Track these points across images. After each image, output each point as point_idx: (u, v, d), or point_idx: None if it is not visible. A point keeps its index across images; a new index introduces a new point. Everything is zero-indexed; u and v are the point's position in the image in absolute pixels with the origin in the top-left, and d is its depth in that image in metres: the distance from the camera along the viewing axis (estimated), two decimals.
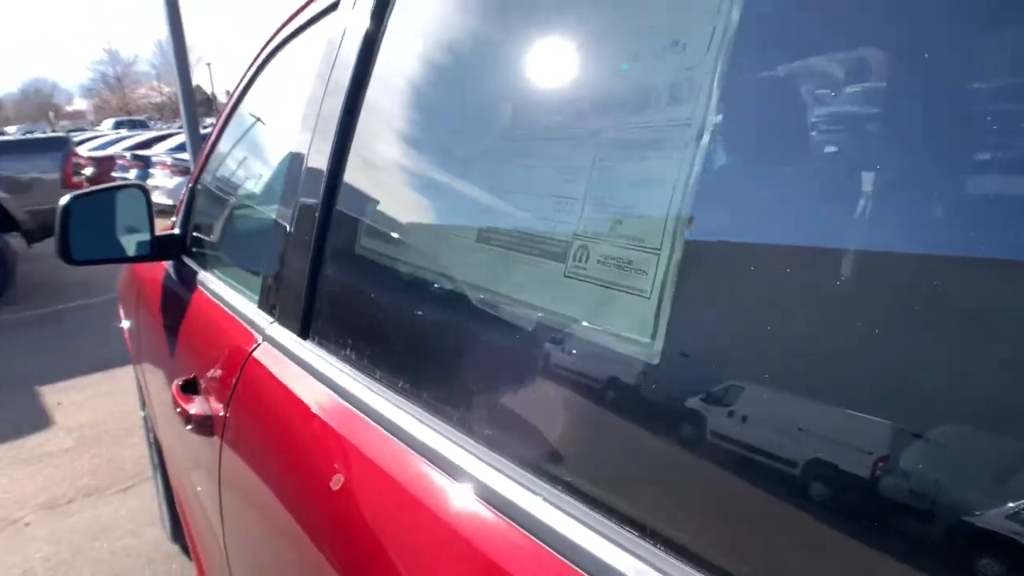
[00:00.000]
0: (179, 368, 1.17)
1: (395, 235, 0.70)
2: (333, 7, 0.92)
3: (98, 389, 3.39)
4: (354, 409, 0.64)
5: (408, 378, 0.61)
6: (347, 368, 0.69)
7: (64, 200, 1.36)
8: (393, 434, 0.58)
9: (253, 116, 1.39)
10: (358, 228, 0.76)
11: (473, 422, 0.53)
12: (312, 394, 0.71)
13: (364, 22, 0.79)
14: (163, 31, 5.83)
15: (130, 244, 1.44)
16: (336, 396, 0.67)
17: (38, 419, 3.09)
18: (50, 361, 3.80)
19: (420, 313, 0.65)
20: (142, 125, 25.79)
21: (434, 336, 0.61)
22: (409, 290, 0.67)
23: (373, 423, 0.60)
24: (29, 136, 7.16)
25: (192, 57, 6.12)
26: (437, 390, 0.58)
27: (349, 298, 0.77)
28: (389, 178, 0.75)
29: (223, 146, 1.50)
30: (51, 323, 4.66)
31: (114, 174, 8.96)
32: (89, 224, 1.40)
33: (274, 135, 1.26)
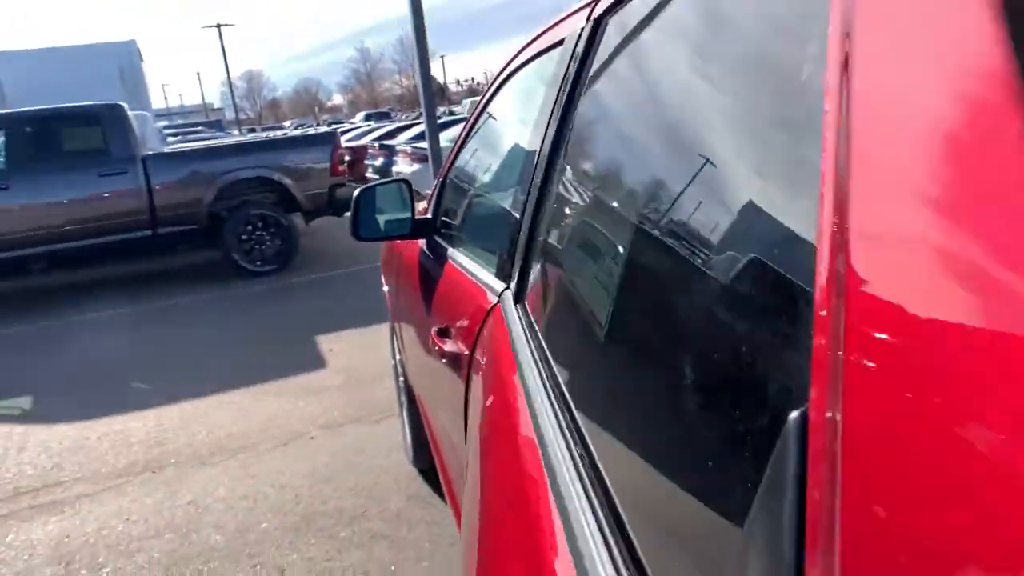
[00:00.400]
0: (433, 320, 1.55)
1: (578, 232, 0.95)
2: (559, 43, 1.18)
3: (357, 341, 4.15)
4: (523, 365, 0.89)
5: (555, 342, 0.85)
6: (528, 332, 0.95)
7: (355, 192, 1.84)
8: (522, 381, 0.82)
9: (491, 127, 1.73)
10: (558, 221, 1.01)
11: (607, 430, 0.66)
12: (516, 346, 0.98)
13: (580, 58, 1.04)
14: (404, 28, 6.63)
15: (395, 225, 1.88)
16: (517, 352, 0.94)
17: (317, 361, 3.90)
18: (323, 316, 4.72)
19: (580, 305, 0.88)
20: (386, 116, 28.58)
21: (585, 327, 0.83)
22: (579, 282, 0.90)
23: (525, 376, 0.85)
24: (305, 133, 8.60)
25: None
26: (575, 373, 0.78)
27: (541, 276, 1.04)
28: (584, 185, 0.99)
29: (466, 149, 1.87)
30: (323, 286, 5.73)
31: (366, 162, 10.40)
32: (369, 210, 1.86)
33: (507, 143, 1.58)
